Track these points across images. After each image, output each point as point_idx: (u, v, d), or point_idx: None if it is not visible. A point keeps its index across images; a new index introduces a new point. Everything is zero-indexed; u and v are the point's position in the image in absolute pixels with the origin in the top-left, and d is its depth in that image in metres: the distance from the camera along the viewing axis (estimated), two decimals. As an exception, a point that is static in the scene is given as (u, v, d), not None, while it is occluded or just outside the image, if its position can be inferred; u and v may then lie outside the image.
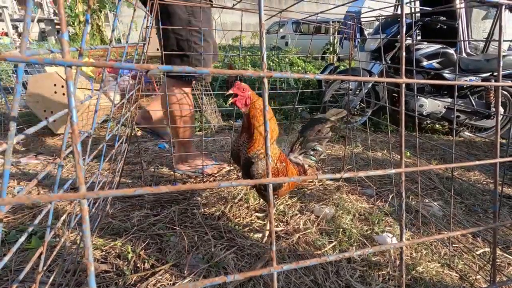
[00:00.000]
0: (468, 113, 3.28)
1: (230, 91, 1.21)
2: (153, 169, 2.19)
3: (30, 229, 0.54)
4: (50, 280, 0.74)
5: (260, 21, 0.30)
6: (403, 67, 0.38)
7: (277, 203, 1.78)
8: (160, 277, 1.22)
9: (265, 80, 0.32)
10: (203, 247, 1.39)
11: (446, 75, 3.22)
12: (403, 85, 0.38)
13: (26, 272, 0.58)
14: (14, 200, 0.24)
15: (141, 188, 0.28)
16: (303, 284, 1.23)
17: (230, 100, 1.22)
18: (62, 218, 0.72)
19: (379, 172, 0.37)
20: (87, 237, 0.27)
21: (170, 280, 1.22)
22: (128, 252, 1.34)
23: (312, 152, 1.67)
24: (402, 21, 0.37)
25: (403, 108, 0.38)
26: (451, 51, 3.22)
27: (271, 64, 6.42)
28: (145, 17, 1.21)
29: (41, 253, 0.60)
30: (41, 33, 12.95)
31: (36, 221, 0.54)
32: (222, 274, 1.25)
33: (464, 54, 3.57)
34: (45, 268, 0.64)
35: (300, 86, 4.54)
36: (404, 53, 0.38)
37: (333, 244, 1.45)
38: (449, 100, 3.20)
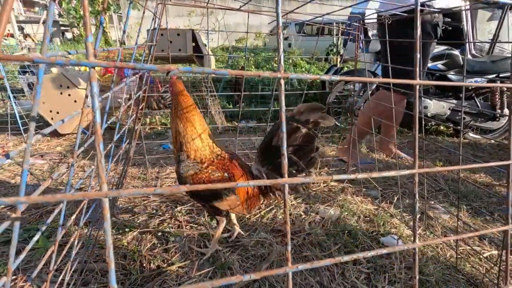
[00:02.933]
0: (473, 114, 3.26)
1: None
2: (157, 170, 2.20)
3: (44, 228, 0.55)
4: (59, 279, 0.75)
5: (278, 24, 0.31)
6: (417, 68, 0.38)
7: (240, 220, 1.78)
8: (166, 277, 1.23)
9: (282, 82, 0.32)
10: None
11: (451, 77, 3.20)
12: (417, 87, 0.38)
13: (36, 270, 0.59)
14: (39, 199, 0.25)
15: (161, 188, 0.28)
16: (308, 286, 1.22)
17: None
18: (72, 217, 0.73)
19: (393, 173, 0.37)
20: (108, 235, 0.28)
21: (176, 281, 1.22)
22: (134, 252, 1.34)
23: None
24: (417, 23, 0.38)
25: (417, 110, 0.39)
26: (456, 52, 3.20)
27: (274, 65, 6.42)
28: (153, 19, 1.22)
29: (52, 252, 0.61)
30: (46, 35, 13.04)
31: (49, 220, 0.55)
32: (229, 275, 1.25)
33: (469, 56, 3.55)
34: (55, 267, 0.64)
35: (304, 87, 4.55)
36: (418, 55, 0.38)
37: (338, 245, 1.44)
38: (454, 101, 3.18)
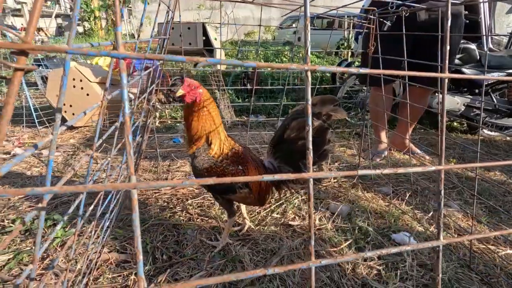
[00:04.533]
0: (489, 111, 3.17)
1: (181, 90, 1.11)
2: (168, 163, 2.22)
3: (66, 218, 0.56)
4: (77, 268, 0.76)
5: (306, 15, 0.30)
6: (447, 62, 0.37)
7: (255, 212, 1.78)
8: (178, 269, 1.25)
9: (309, 74, 0.31)
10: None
11: (467, 71, 3.11)
12: (446, 80, 0.37)
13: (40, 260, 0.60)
14: (70, 189, 0.25)
15: (188, 180, 0.28)
16: (319, 281, 1.23)
17: (178, 94, 1.12)
18: (90, 208, 0.75)
19: (419, 169, 0.37)
20: (137, 226, 0.28)
21: (188, 273, 1.24)
22: (147, 244, 1.37)
23: (296, 161, 1.27)
24: (448, 15, 0.36)
25: (445, 105, 0.37)
26: (473, 46, 3.11)
27: (284, 59, 6.36)
28: (167, 12, 1.22)
29: (72, 242, 0.62)
30: (59, 28, 13.24)
31: (70, 210, 0.56)
32: (239, 268, 1.26)
33: (486, 50, 3.44)
34: (74, 256, 0.66)
35: (317, 82, 4.49)
36: (448, 48, 0.37)
37: (349, 241, 1.44)
38: (469, 97, 3.10)
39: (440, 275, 0.39)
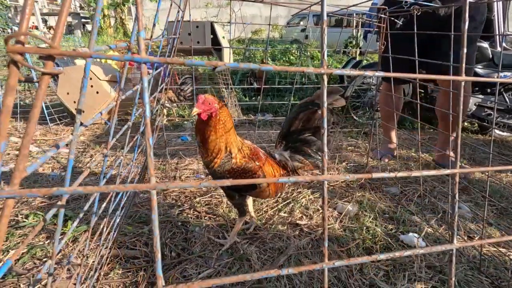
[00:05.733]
0: (501, 111, 3.11)
1: (196, 109, 1.10)
2: (176, 161, 2.25)
3: (81, 215, 0.58)
4: (90, 262, 0.78)
5: (322, 18, 0.30)
6: (463, 64, 0.37)
7: (263, 205, 1.78)
8: (186, 266, 1.26)
9: (325, 77, 0.32)
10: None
11: (479, 71, 3.06)
12: (463, 84, 0.37)
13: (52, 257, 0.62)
14: (95, 189, 0.26)
15: (206, 181, 0.29)
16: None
17: (194, 113, 1.11)
18: (103, 205, 0.76)
19: (433, 172, 0.37)
20: (156, 226, 0.29)
21: (196, 270, 1.25)
22: (156, 240, 1.39)
23: (305, 148, 1.35)
24: (465, 17, 0.36)
25: (461, 107, 0.37)
26: (485, 45, 3.04)
27: (291, 57, 6.34)
28: (178, 12, 1.23)
29: (86, 238, 0.64)
30: (68, 27, 13.42)
31: (86, 207, 0.58)
32: (246, 267, 1.27)
33: (498, 48, 3.37)
34: (88, 251, 0.67)
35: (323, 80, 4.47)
36: (465, 50, 0.36)
37: (356, 241, 1.43)
38: (481, 97, 3.04)
39: (454, 279, 0.39)
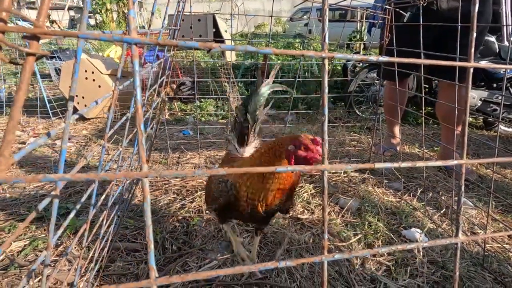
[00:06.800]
0: (507, 106, 3.06)
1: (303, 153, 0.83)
2: (178, 155, 2.24)
3: (78, 206, 0.57)
4: (90, 255, 0.78)
5: (324, 5, 0.28)
6: (472, 50, 0.35)
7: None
8: (187, 259, 1.26)
9: (326, 62, 0.30)
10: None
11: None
12: (471, 70, 0.35)
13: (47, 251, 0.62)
14: (82, 176, 0.25)
15: (200, 170, 0.27)
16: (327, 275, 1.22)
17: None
18: (102, 197, 0.75)
19: (439, 163, 0.35)
20: (148, 217, 0.28)
21: (197, 263, 1.25)
22: (157, 234, 1.38)
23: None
24: (475, 1, 0.34)
25: (469, 95, 0.35)
26: (492, 39, 2.98)
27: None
28: (178, 2, 1.21)
29: (84, 230, 0.63)
30: (71, 21, 13.40)
31: (83, 199, 0.57)
32: (247, 260, 1.27)
33: (506, 42, 3.30)
34: (87, 244, 0.67)
35: (327, 75, 4.42)
36: (474, 35, 0.34)
37: (358, 237, 1.42)
38: (486, 91, 2.99)
39: (458, 273, 0.38)
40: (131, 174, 0.26)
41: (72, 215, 0.53)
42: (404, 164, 0.33)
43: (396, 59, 0.30)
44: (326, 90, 0.30)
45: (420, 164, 0.34)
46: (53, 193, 0.38)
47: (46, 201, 0.38)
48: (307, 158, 0.84)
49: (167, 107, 3.35)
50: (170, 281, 0.28)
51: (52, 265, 1.01)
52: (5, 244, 0.36)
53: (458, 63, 0.35)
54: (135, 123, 0.27)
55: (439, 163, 0.35)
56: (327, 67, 0.30)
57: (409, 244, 0.35)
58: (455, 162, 0.34)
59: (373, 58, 0.31)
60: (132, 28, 0.25)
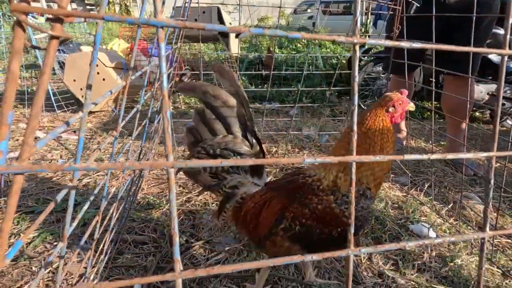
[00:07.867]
0: (515, 100, 3.01)
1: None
2: (183, 148, 2.24)
3: (91, 198, 0.56)
4: (100, 247, 0.78)
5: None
6: (508, 36, 0.34)
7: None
8: (195, 252, 1.27)
9: (357, 48, 0.29)
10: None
11: (493, 59, 2.95)
12: (505, 58, 0.34)
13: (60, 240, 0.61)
14: (109, 166, 0.24)
15: (226, 160, 0.26)
16: (334, 270, 1.22)
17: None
18: (112, 190, 0.75)
19: (470, 155, 0.34)
20: (173, 207, 0.27)
21: (204, 256, 1.26)
22: (164, 227, 1.39)
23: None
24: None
25: (502, 84, 0.34)
26: (501, 31, 2.92)
27: (298, 45, 6.21)
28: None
29: (96, 222, 0.63)
30: (73, 14, 13.32)
31: (96, 191, 0.57)
32: (254, 254, 1.27)
33: (515, 36, 3.23)
34: (98, 235, 0.67)
35: (331, 69, 4.38)
36: (510, 21, 0.33)
37: (365, 230, 1.42)
38: (495, 85, 2.95)
39: (483, 269, 0.37)
40: (158, 163, 0.25)
41: (86, 206, 0.53)
42: (434, 156, 0.32)
43: (427, 45, 0.29)
44: (357, 79, 0.29)
45: (450, 156, 0.32)
46: (69, 184, 0.38)
47: (63, 192, 0.38)
48: (403, 110, 0.91)
49: (172, 99, 3.33)
50: (195, 275, 0.28)
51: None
52: (25, 234, 0.35)
53: (492, 50, 0.33)
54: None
55: (470, 155, 0.34)
56: (358, 53, 0.29)
57: (437, 239, 0.34)
58: (484, 154, 0.33)
59: (405, 44, 0.29)
60: (159, 10, 0.23)
